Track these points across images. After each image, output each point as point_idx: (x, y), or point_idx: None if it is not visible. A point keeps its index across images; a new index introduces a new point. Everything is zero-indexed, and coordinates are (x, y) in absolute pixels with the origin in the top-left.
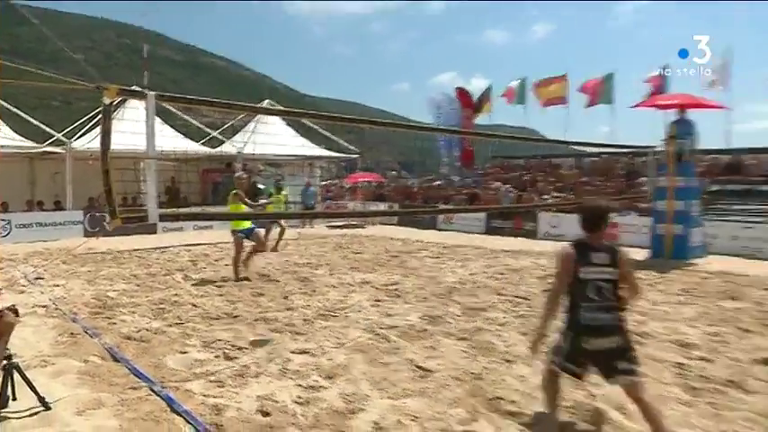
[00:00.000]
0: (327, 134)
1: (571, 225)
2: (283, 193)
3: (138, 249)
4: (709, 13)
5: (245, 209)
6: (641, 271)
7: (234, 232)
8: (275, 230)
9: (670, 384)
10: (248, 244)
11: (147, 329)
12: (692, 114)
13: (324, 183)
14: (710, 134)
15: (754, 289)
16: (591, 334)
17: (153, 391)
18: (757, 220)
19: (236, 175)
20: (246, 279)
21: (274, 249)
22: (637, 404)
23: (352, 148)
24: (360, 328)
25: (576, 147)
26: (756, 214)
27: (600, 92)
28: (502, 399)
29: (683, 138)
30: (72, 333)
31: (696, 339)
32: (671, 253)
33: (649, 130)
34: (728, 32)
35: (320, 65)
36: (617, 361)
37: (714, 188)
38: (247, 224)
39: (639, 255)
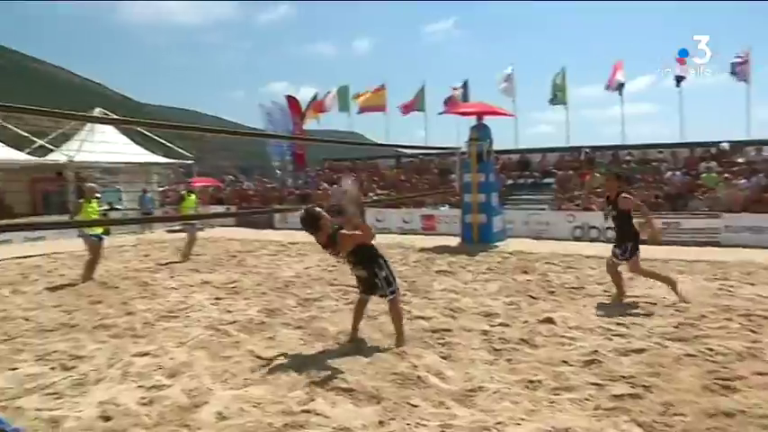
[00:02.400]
0: (163, 141)
1: (394, 218)
2: (192, 197)
3: None
4: (495, 36)
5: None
6: (455, 255)
7: (87, 237)
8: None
9: (478, 349)
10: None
11: None
12: (488, 120)
13: (162, 189)
14: (503, 137)
15: (540, 263)
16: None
17: None
18: (543, 207)
19: (89, 185)
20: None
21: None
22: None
23: (188, 154)
24: (201, 326)
25: (396, 149)
26: (542, 202)
27: (415, 101)
28: (336, 377)
29: (482, 140)
30: None
31: (498, 309)
32: (478, 238)
33: (455, 133)
34: (513, 52)
35: (156, 74)
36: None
37: (509, 182)
38: (100, 230)
39: (453, 242)
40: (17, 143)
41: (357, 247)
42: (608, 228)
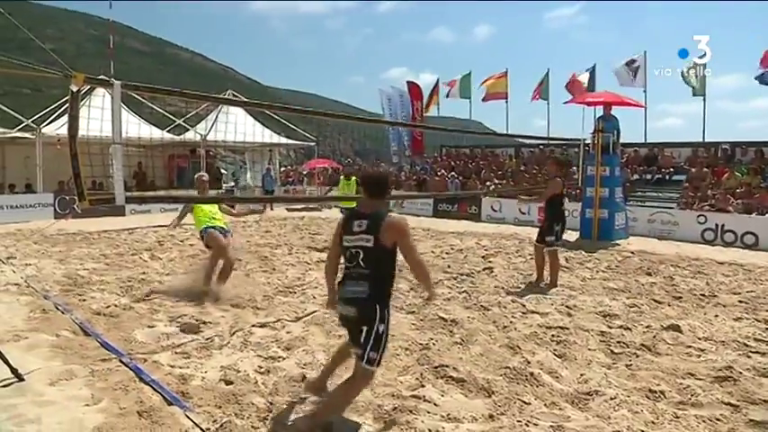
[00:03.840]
0: (287, 123)
1: (511, 209)
2: (351, 180)
3: (107, 230)
4: (625, 23)
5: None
6: (573, 251)
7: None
8: None
9: (594, 350)
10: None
11: (116, 305)
12: (615, 111)
13: (283, 168)
14: (631, 129)
15: (665, 266)
16: (341, 300)
17: (122, 362)
18: (670, 206)
19: (198, 175)
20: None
21: None
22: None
23: (309, 136)
24: (316, 304)
25: (515, 138)
26: (669, 201)
27: (538, 89)
28: (447, 366)
29: (608, 132)
30: (44, 309)
31: (617, 310)
32: (598, 234)
33: (578, 123)
34: (643, 39)
35: (281, 59)
36: (356, 334)
37: (634, 177)
38: (218, 222)
39: (571, 236)
40: (159, 122)
41: (391, 249)
42: (746, 233)
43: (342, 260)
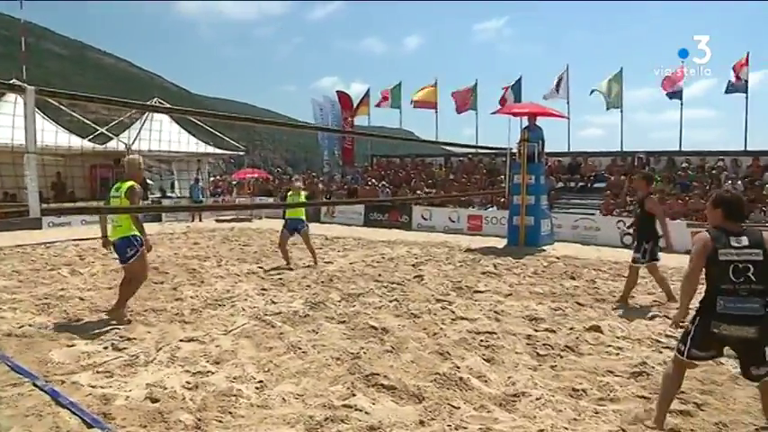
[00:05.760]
0: (215, 132)
1: (441, 217)
2: (303, 193)
3: (20, 245)
4: (549, 36)
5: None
6: (501, 257)
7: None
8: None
9: (521, 353)
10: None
11: (31, 325)
12: (540, 121)
13: (212, 179)
14: (555, 139)
15: (587, 270)
16: (727, 318)
17: (36, 386)
18: (592, 213)
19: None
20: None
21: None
22: None
23: (238, 145)
24: (246, 316)
25: (445, 147)
26: (591, 207)
27: (467, 99)
28: (378, 374)
29: (533, 141)
30: None
31: (543, 314)
32: (525, 241)
33: (506, 133)
34: (566, 54)
35: (211, 67)
36: (754, 353)
37: (559, 185)
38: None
39: (499, 243)
40: (80, 131)
41: None
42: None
43: (708, 278)
